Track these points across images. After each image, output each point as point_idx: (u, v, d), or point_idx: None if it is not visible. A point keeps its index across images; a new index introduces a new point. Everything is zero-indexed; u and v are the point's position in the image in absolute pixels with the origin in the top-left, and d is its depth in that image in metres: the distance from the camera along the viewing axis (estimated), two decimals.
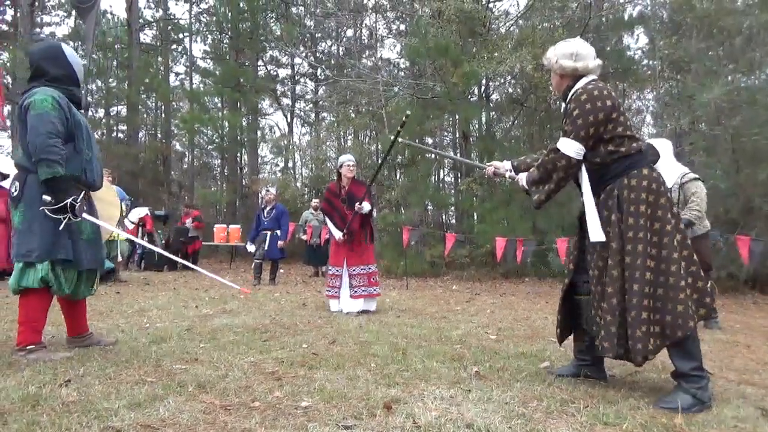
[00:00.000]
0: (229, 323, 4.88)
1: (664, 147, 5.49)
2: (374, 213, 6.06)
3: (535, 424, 2.26)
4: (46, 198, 3.19)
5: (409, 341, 4.17)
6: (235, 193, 21.13)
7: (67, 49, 3.46)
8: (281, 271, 11.04)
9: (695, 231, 5.34)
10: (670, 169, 5.41)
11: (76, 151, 3.36)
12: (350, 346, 3.89)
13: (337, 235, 6.00)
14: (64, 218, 3.25)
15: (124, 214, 9.65)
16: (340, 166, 6.18)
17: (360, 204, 5.82)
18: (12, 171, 9.80)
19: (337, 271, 6.02)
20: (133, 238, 7.41)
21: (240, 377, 2.92)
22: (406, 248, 10.63)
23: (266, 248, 9.45)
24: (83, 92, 3.32)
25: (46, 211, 3.20)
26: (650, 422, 2.34)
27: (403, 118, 4.53)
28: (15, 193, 3.31)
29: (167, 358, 3.34)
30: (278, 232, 9.56)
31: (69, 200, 3.25)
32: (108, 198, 4.67)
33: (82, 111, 3.50)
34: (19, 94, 15.95)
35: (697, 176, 5.45)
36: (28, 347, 3.23)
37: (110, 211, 4.77)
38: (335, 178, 6.33)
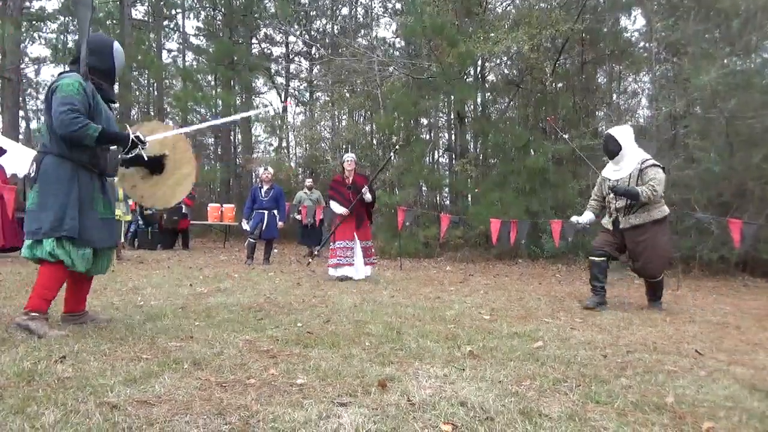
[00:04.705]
0: (223, 302, 4.89)
1: (626, 134, 5.41)
2: (375, 202, 7.79)
3: (528, 403, 2.29)
4: (114, 148, 3.50)
5: (404, 321, 4.19)
6: (229, 173, 21.02)
7: (117, 48, 3.59)
8: (275, 250, 11.04)
9: (652, 215, 5.21)
10: (632, 155, 5.33)
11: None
12: (345, 325, 3.91)
13: (342, 210, 7.25)
14: (137, 152, 3.52)
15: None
16: (343, 162, 7.58)
17: (365, 191, 7.15)
18: (9, 147, 9.66)
19: (348, 243, 7.22)
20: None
21: (235, 355, 2.93)
22: (400, 229, 10.64)
23: (264, 228, 9.44)
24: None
25: (123, 156, 3.54)
26: (641, 401, 2.37)
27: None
28: (32, 174, 3.39)
29: (162, 335, 3.35)
30: (275, 212, 9.54)
31: (131, 135, 3.48)
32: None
33: (128, 129, 3.61)
34: (11, 69, 15.69)
35: (658, 163, 5.30)
36: (31, 312, 3.28)
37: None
38: (340, 170, 7.60)
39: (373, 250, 7.53)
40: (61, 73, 3.47)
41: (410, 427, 2.00)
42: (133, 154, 3.55)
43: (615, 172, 5.42)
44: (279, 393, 2.33)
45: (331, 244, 7.42)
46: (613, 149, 5.39)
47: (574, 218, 6.06)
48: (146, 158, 3.67)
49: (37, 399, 2.14)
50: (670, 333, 4.13)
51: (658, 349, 3.51)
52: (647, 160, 5.30)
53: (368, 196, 7.26)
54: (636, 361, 3.14)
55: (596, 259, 5.42)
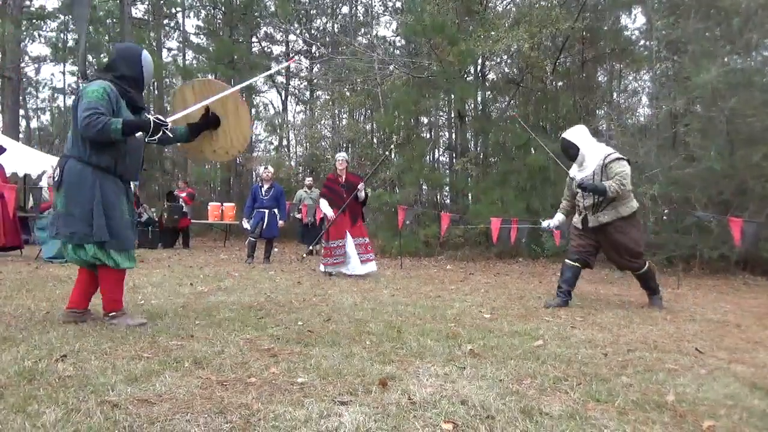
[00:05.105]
0: (224, 301, 4.89)
1: (581, 134, 5.35)
2: (367, 200, 8.16)
3: (529, 401, 2.29)
4: (139, 135, 3.65)
5: (404, 319, 4.19)
6: (229, 171, 21.00)
7: (145, 56, 3.75)
8: (275, 249, 11.03)
9: (620, 212, 5.15)
10: (594, 151, 5.28)
11: (112, 142, 3.53)
12: (345, 324, 3.91)
13: (330, 212, 7.50)
14: (160, 134, 3.67)
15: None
16: (335, 161, 7.86)
17: (361, 188, 7.44)
18: (9, 146, 9.68)
19: (341, 243, 7.42)
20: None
21: (236, 354, 2.93)
22: (401, 228, 10.63)
23: (264, 227, 9.43)
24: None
25: (147, 140, 3.71)
26: (642, 399, 2.38)
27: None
28: (56, 179, 3.58)
29: (163, 334, 3.35)
30: (276, 211, 9.53)
31: (151, 119, 3.62)
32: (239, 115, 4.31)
33: (146, 114, 3.76)
34: (11, 67, 15.75)
35: (622, 156, 5.24)
36: (110, 313, 3.65)
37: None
38: (333, 169, 7.94)
39: (370, 247, 7.68)
40: (93, 78, 3.67)
41: (411, 426, 2.00)
42: (159, 136, 3.71)
43: (579, 171, 5.38)
44: (280, 392, 2.33)
45: (324, 242, 7.64)
46: (572, 153, 5.35)
47: (544, 222, 6.02)
48: (172, 135, 3.87)
49: (38, 398, 2.14)
50: (670, 331, 4.13)
51: (659, 347, 3.51)
52: (610, 154, 5.23)
53: (362, 194, 7.54)
54: (636, 360, 3.14)
55: (571, 263, 5.38)
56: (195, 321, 3.85)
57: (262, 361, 2.81)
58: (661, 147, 10.48)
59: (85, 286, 3.79)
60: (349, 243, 7.43)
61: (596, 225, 5.27)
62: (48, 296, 4.80)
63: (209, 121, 4.18)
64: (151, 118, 3.65)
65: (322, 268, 7.62)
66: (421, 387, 2.43)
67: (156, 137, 3.71)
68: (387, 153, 9.31)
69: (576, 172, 5.42)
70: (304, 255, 9.19)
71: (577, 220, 5.49)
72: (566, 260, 5.46)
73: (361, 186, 7.47)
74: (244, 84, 5.43)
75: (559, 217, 5.77)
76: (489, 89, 15.24)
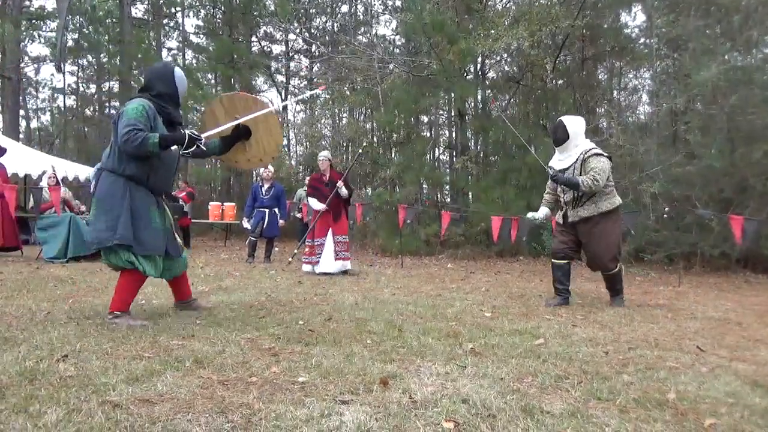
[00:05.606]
0: (225, 300, 4.89)
1: (577, 124, 5.31)
2: (352, 197, 8.26)
3: (530, 400, 2.29)
4: (175, 148, 3.79)
5: (405, 318, 4.19)
6: (230, 171, 20.98)
7: (178, 72, 3.95)
8: (276, 249, 11.03)
9: (600, 207, 5.12)
10: (579, 145, 5.25)
11: (148, 156, 3.67)
12: (346, 323, 3.91)
13: (320, 206, 7.59)
14: (194, 148, 3.81)
15: None
16: (318, 161, 8.03)
17: (340, 185, 7.54)
18: (9, 146, 9.74)
19: (322, 241, 7.61)
20: None
21: (237, 353, 2.93)
22: (401, 227, 10.63)
23: (265, 226, 9.43)
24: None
25: (182, 153, 3.85)
26: (643, 398, 2.38)
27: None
28: (92, 190, 3.81)
29: (164, 334, 3.35)
30: (276, 210, 9.52)
31: (186, 133, 3.74)
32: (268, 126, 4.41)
33: (181, 129, 3.89)
34: (11, 68, 15.81)
35: (602, 152, 5.21)
36: (115, 312, 3.71)
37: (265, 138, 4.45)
38: (318, 169, 8.04)
39: (348, 245, 7.82)
40: (132, 97, 3.87)
41: (412, 425, 2.00)
42: (193, 150, 3.84)
43: (560, 161, 5.35)
44: (281, 391, 2.33)
45: (309, 240, 7.82)
46: (560, 137, 5.28)
47: (530, 214, 5.97)
48: (205, 149, 4.04)
49: (39, 398, 2.14)
50: (671, 329, 4.13)
51: (660, 345, 3.51)
52: (591, 149, 5.20)
53: (344, 191, 7.63)
54: (638, 358, 3.14)
55: (558, 262, 5.36)
56: (196, 320, 3.85)
57: (263, 360, 2.81)
58: (662, 145, 10.48)
59: (173, 283, 4.13)
60: (329, 241, 7.58)
61: (576, 220, 5.26)
62: (49, 296, 4.81)
63: (240, 134, 4.33)
64: (186, 132, 3.77)
65: (306, 267, 7.77)
66: (422, 386, 2.43)
67: (190, 150, 3.83)
68: (361, 152, 9.62)
69: (556, 162, 5.40)
70: (290, 259, 9.12)
71: (559, 215, 5.50)
72: (553, 260, 5.45)
73: (339, 183, 7.55)
74: (275, 107, 5.52)
75: (543, 210, 5.72)
76: (489, 88, 15.22)
